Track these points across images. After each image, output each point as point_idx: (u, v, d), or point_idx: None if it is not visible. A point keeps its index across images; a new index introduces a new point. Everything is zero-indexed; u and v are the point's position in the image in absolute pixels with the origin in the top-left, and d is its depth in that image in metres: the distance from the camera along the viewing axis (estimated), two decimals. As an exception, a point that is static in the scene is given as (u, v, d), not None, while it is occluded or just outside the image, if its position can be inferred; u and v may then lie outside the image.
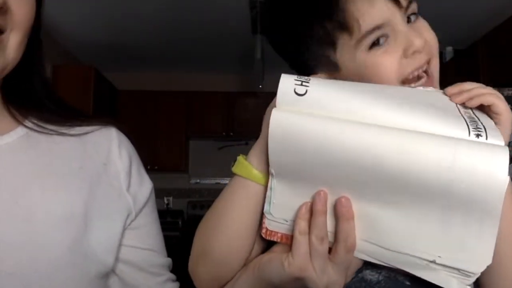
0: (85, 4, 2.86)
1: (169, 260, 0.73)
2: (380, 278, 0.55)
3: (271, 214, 0.52)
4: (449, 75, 3.36)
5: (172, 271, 0.75)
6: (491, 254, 0.45)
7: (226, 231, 0.55)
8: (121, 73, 4.28)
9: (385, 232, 0.48)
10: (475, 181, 0.42)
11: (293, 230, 0.50)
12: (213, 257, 0.56)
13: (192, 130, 4.22)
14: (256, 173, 0.53)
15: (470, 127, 0.46)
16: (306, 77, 0.49)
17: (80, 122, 0.68)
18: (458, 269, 0.46)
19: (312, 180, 0.49)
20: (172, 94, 4.18)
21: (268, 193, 0.51)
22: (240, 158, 0.55)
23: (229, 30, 3.26)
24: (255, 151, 0.54)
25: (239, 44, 3.54)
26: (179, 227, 3.96)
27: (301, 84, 0.48)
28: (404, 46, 0.55)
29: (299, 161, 0.48)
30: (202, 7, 2.85)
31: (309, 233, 0.49)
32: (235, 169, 0.55)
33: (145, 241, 0.69)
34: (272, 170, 0.50)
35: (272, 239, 0.53)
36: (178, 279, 0.74)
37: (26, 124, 0.64)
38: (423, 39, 0.55)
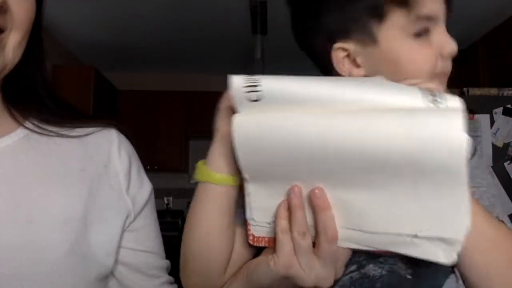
0: (86, 4, 2.86)
1: (168, 262, 0.73)
2: (383, 272, 0.56)
3: (253, 219, 0.52)
4: (449, 75, 3.35)
5: (172, 271, 0.75)
6: (469, 217, 0.45)
7: (197, 238, 0.56)
8: (121, 73, 4.28)
9: (363, 216, 0.48)
10: (435, 147, 0.43)
11: (275, 226, 0.50)
12: (193, 264, 0.57)
13: (192, 130, 4.22)
14: (214, 174, 0.54)
15: (423, 95, 0.46)
16: (255, 79, 0.48)
17: (80, 123, 0.68)
18: (441, 239, 0.46)
19: (285, 178, 0.49)
20: (172, 94, 4.17)
21: (246, 199, 0.51)
22: (199, 164, 0.56)
23: (229, 30, 3.26)
24: (211, 154, 0.54)
25: (239, 44, 3.54)
26: (179, 227, 3.96)
27: (253, 91, 0.47)
28: (440, 46, 0.56)
29: (268, 161, 0.48)
30: (202, 7, 2.85)
31: (291, 230, 0.49)
32: (196, 176, 0.56)
33: (144, 243, 0.69)
34: (245, 175, 0.50)
35: (260, 245, 0.53)
36: (177, 279, 0.74)
37: (27, 126, 0.64)
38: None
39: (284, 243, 0.49)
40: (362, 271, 0.55)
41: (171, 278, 0.73)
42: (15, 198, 0.58)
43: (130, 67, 4.30)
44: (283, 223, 0.49)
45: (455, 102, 0.45)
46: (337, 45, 0.58)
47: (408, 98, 0.46)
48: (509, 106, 2.10)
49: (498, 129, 2.18)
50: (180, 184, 4.52)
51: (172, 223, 3.99)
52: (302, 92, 0.47)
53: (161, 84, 4.32)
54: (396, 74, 0.53)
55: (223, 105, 0.53)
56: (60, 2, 2.75)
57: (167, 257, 0.74)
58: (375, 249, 0.49)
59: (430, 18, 0.55)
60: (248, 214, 0.52)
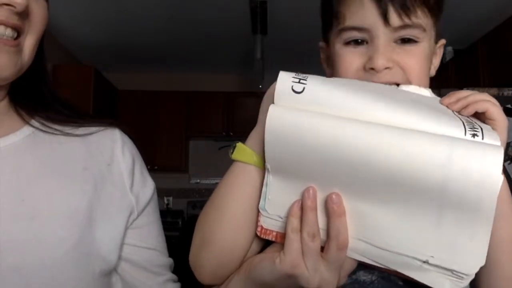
0: (86, 4, 2.86)
1: (171, 260, 0.74)
2: (373, 278, 0.56)
3: (266, 210, 0.52)
4: (449, 75, 3.36)
5: (172, 271, 0.75)
6: (484, 255, 0.45)
7: (231, 218, 0.55)
8: (121, 73, 4.29)
9: (377, 230, 0.48)
10: (470, 180, 0.42)
11: (286, 223, 0.50)
12: (218, 245, 0.55)
13: (192, 130, 4.22)
14: (258, 157, 0.53)
15: (467, 127, 0.46)
16: (304, 75, 0.49)
17: (84, 122, 0.69)
18: (451, 270, 0.46)
19: (307, 177, 0.49)
20: (172, 94, 4.17)
21: (263, 188, 0.51)
22: (240, 144, 0.55)
23: (229, 30, 3.26)
24: (254, 138, 0.54)
25: (239, 44, 3.54)
26: (179, 227, 3.96)
27: (299, 82, 0.48)
28: (367, 58, 0.58)
29: (294, 157, 0.48)
30: (202, 7, 2.85)
31: (301, 230, 0.49)
32: (235, 155, 0.55)
33: (147, 240, 0.70)
34: (268, 165, 0.50)
35: (267, 237, 0.53)
36: (178, 279, 0.74)
37: (32, 124, 0.65)
38: (389, 62, 0.57)
39: (293, 242, 0.49)
40: (353, 276, 0.55)
41: (174, 276, 0.73)
42: (20, 194, 0.59)
43: (130, 67, 4.30)
44: (294, 221, 0.49)
45: (494, 138, 0.45)
46: (320, 43, 0.68)
47: (450, 127, 0.45)
48: (509, 106, 2.10)
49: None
50: (180, 184, 4.52)
51: (172, 223, 3.99)
52: (341, 97, 0.48)
53: (161, 84, 4.32)
54: (337, 76, 0.61)
55: (269, 92, 0.53)
56: (60, 2, 2.75)
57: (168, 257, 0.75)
58: (379, 265, 0.49)
59: (359, 29, 0.59)
60: (261, 204, 0.52)
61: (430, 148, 0.43)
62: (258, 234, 0.53)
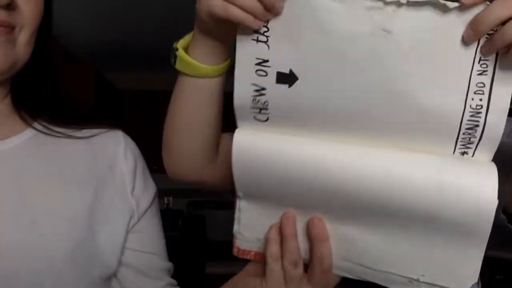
0: (85, 4, 2.86)
1: (170, 264, 0.74)
2: None
3: (242, 234, 0.50)
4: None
5: (172, 272, 0.74)
6: (477, 272, 0.43)
7: (182, 126, 0.56)
8: (121, 73, 4.28)
9: (364, 252, 0.46)
10: (463, 208, 0.40)
11: (265, 251, 0.48)
12: (176, 151, 0.58)
13: (192, 130, 4.21)
14: (204, 67, 0.53)
15: (459, 140, 0.43)
16: (262, 101, 0.44)
17: (87, 124, 0.69)
18: (443, 287, 0.45)
19: (284, 202, 0.47)
20: (172, 94, 4.16)
21: (236, 213, 0.49)
22: (183, 55, 0.54)
23: (229, 30, 3.26)
24: (199, 48, 0.53)
25: (239, 44, 3.53)
26: (180, 227, 3.96)
27: (260, 112, 0.45)
28: None
29: (268, 185, 0.45)
30: (202, 7, 2.84)
31: (282, 257, 0.47)
32: (178, 66, 0.56)
33: (147, 244, 0.70)
34: (239, 193, 0.48)
35: (245, 257, 0.51)
36: (178, 279, 0.74)
37: (35, 126, 0.65)
38: None
39: (275, 271, 0.47)
40: None
41: (173, 281, 0.73)
42: (21, 197, 0.58)
43: (130, 67, 4.29)
44: (273, 248, 0.47)
45: (488, 150, 0.42)
46: None
47: (439, 144, 0.42)
48: (510, 106, 2.09)
49: None
50: (180, 184, 4.46)
51: (172, 223, 3.99)
52: (310, 112, 0.44)
53: (161, 84, 4.31)
54: None
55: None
56: (60, 2, 2.75)
57: (168, 257, 0.74)
58: (367, 280, 0.48)
59: None
60: (236, 228, 0.50)
61: (419, 178, 0.41)
62: (235, 254, 0.51)
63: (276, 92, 0.45)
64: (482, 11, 0.42)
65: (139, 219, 0.68)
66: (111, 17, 3.08)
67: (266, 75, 0.45)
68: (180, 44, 0.56)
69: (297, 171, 0.43)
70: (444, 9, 0.42)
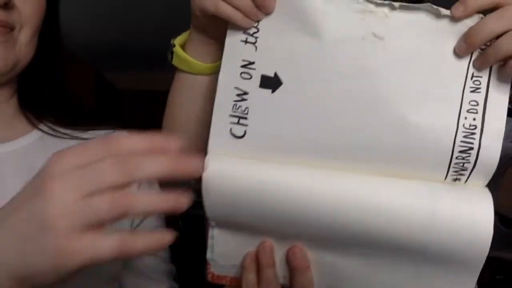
0: (85, 4, 2.85)
1: (172, 267, 0.73)
2: None
3: (216, 261, 0.48)
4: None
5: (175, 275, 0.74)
6: None
7: (180, 124, 0.58)
8: (121, 73, 4.27)
9: (348, 281, 0.44)
10: (457, 237, 0.39)
11: (241, 277, 0.46)
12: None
13: (192, 130, 4.21)
14: (198, 64, 0.54)
15: (452, 165, 0.40)
16: (243, 108, 0.42)
17: (93, 125, 0.69)
18: None
19: (260, 231, 0.44)
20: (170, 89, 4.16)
21: (209, 241, 0.47)
22: (180, 52, 0.56)
23: (229, 30, 3.26)
24: (196, 47, 0.55)
25: (239, 44, 3.53)
26: (180, 227, 3.95)
27: (238, 122, 0.43)
28: None
29: (241, 215, 0.43)
30: (202, 7, 2.84)
31: (258, 285, 0.45)
32: (175, 62, 0.58)
33: None
34: (211, 222, 0.45)
35: (220, 282, 0.49)
36: (178, 280, 0.74)
37: (41, 128, 0.65)
38: None
39: None
40: None
41: (175, 284, 0.72)
42: None
43: (130, 67, 4.29)
44: (249, 277, 0.45)
45: (481, 181, 0.40)
46: None
47: (430, 168, 0.40)
48: (509, 106, 2.09)
49: None
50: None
51: (172, 223, 3.98)
52: (291, 136, 0.41)
53: (161, 84, 4.30)
54: None
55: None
56: (60, 2, 2.75)
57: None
58: None
59: None
60: (209, 255, 0.48)
61: (409, 207, 0.38)
62: (210, 280, 0.49)
63: (258, 98, 0.43)
64: (477, 23, 0.41)
65: (142, 220, 0.68)
66: (111, 17, 3.08)
67: (250, 78, 0.43)
68: (178, 40, 0.57)
69: (275, 202, 0.40)
70: (438, 16, 0.41)
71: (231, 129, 0.42)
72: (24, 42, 0.59)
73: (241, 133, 0.42)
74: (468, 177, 0.41)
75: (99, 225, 0.35)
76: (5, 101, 0.63)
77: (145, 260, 0.69)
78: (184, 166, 0.39)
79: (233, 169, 0.41)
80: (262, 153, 0.42)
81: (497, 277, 2.12)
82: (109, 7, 2.93)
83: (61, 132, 0.66)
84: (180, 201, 0.39)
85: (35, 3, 0.60)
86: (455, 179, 0.40)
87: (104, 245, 0.35)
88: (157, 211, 0.39)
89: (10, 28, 0.56)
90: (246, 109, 0.43)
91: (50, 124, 0.66)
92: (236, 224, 0.44)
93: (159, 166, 0.38)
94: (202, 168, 0.42)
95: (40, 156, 0.62)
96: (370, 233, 0.39)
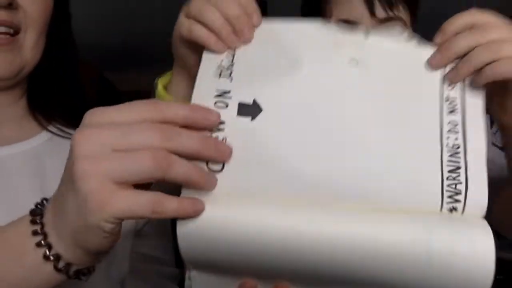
0: (85, 4, 2.85)
1: (176, 270, 0.73)
2: None
3: None
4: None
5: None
6: None
7: None
8: (121, 73, 4.27)
9: None
10: (456, 275, 0.36)
11: None
12: None
13: (193, 130, 4.20)
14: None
15: (445, 190, 0.39)
16: (220, 139, 0.40)
17: None
18: None
19: (240, 273, 0.42)
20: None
21: (187, 282, 0.45)
22: (159, 91, 0.55)
23: (229, 31, 3.26)
24: (174, 78, 0.53)
25: (240, 44, 3.53)
26: (180, 227, 3.94)
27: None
28: None
29: (220, 259, 0.40)
30: (202, 8, 2.84)
31: None
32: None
33: (154, 249, 0.69)
34: (188, 265, 0.43)
35: None
36: (181, 284, 0.74)
37: (50, 129, 0.65)
38: None
39: None
40: None
41: None
42: (37, 199, 0.58)
43: (130, 67, 4.29)
44: None
45: (480, 205, 0.38)
46: None
47: (425, 202, 0.38)
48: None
49: (498, 129, 2.16)
50: (181, 184, 4.50)
51: (172, 223, 3.97)
52: (268, 170, 0.38)
53: (161, 84, 4.30)
54: None
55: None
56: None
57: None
58: None
59: (346, 21, 0.65)
60: None
61: (404, 247, 0.36)
62: None
63: (236, 127, 0.40)
64: (452, 37, 0.43)
65: (145, 223, 0.68)
66: (113, 19, 3.08)
67: (226, 107, 0.40)
68: (161, 81, 0.56)
69: (257, 246, 0.37)
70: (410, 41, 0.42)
71: (207, 163, 0.39)
72: (30, 45, 0.59)
73: (219, 168, 0.39)
74: (465, 203, 0.39)
75: (136, 181, 0.35)
76: (14, 102, 0.63)
77: (148, 263, 0.68)
78: (212, 150, 0.37)
79: (210, 211, 0.38)
80: (242, 188, 0.39)
81: (497, 277, 2.12)
82: (111, 8, 2.93)
83: (70, 134, 0.65)
84: (210, 183, 0.38)
85: (41, 3, 0.59)
86: (451, 209, 0.38)
87: (140, 200, 0.35)
88: (191, 183, 0.37)
89: (15, 30, 0.56)
90: (224, 140, 0.40)
91: (59, 126, 0.66)
92: (215, 267, 0.41)
93: (194, 142, 0.36)
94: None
95: (49, 157, 0.62)
96: (358, 274, 0.36)
